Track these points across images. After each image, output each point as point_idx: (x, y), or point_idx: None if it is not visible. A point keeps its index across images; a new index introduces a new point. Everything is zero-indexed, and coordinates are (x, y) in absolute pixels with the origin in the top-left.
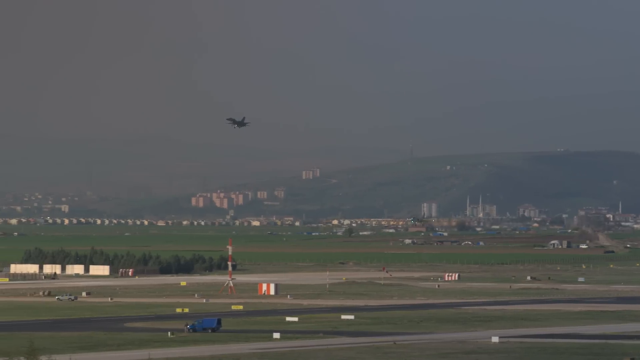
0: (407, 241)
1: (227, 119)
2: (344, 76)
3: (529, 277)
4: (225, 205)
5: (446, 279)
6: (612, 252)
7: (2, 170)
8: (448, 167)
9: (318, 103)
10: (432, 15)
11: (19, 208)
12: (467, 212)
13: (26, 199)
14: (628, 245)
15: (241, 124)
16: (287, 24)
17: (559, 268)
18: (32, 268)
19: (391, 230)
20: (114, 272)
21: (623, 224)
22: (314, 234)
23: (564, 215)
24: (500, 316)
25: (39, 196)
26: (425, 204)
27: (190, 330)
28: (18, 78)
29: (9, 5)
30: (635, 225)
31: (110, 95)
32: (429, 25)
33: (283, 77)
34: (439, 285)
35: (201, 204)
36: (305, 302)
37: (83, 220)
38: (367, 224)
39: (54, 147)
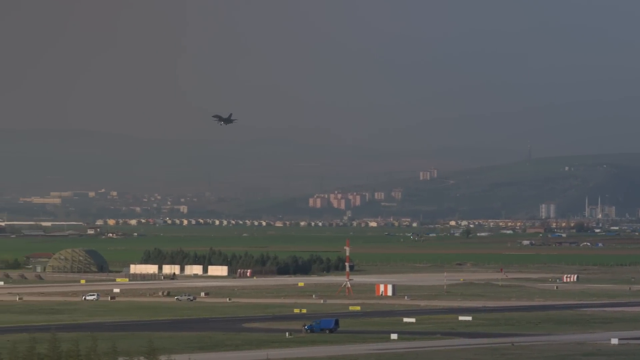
0: (525, 242)
1: (213, 116)
2: (461, 75)
3: None
4: (342, 206)
5: (565, 280)
6: None
7: (122, 171)
8: (566, 168)
9: (437, 103)
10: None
11: (138, 209)
12: (586, 213)
13: (145, 200)
14: None
15: (228, 120)
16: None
17: None
18: (152, 268)
19: (509, 232)
20: (232, 273)
21: None
22: (431, 234)
23: None
24: (620, 318)
25: (159, 197)
26: (543, 205)
27: (308, 331)
28: (140, 81)
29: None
30: None
31: (231, 97)
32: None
33: (395, 78)
34: (557, 287)
35: (318, 205)
36: (423, 303)
37: (202, 220)
38: (485, 224)
39: (173, 147)
